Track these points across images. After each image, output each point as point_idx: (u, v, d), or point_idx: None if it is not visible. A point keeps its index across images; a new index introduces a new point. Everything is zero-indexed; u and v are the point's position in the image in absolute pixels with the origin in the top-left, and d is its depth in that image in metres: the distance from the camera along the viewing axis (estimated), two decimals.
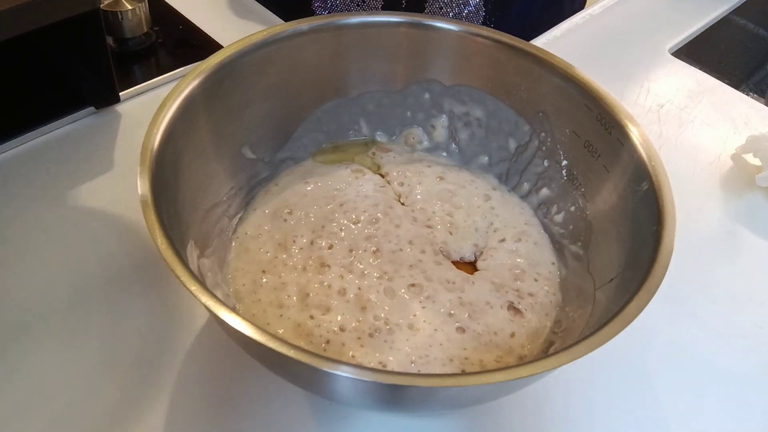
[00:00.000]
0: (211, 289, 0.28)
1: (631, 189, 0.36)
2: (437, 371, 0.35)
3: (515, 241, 0.43)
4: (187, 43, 0.58)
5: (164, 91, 0.42)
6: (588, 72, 0.40)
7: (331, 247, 0.40)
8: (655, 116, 0.58)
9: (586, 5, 0.73)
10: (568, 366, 0.27)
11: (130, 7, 0.52)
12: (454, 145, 0.47)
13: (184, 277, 0.28)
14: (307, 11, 0.66)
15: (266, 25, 0.62)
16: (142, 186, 0.31)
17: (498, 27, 0.47)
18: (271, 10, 0.64)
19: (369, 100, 0.46)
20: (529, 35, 0.65)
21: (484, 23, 0.67)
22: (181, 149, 0.36)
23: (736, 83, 0.66)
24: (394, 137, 0.48)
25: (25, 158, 0.47)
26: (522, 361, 0.37)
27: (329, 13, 0.65)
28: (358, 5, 0.65)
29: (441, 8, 0.65)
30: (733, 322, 0.43)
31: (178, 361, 0.37)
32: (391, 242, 0.41)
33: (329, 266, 0.39)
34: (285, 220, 0.42)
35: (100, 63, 0.48)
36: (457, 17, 0.66)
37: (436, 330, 0.37)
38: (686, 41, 0.69)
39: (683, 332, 0.42)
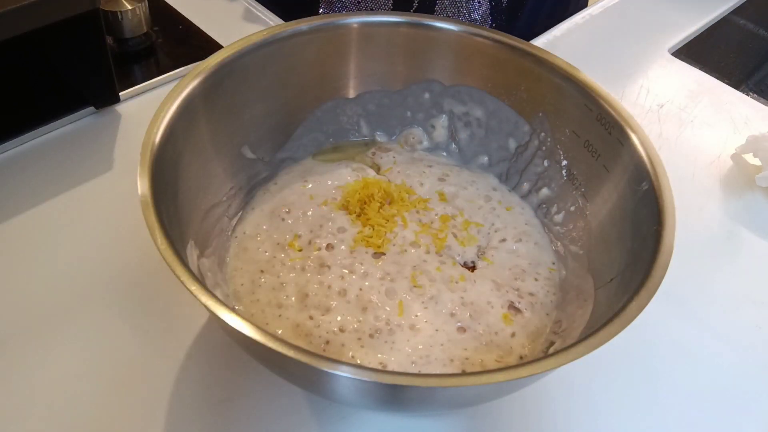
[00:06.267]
0: (210, 289, 0.28)
1: (631, 189, 0.36)
2: (438, 371, 0.35)
3: (516, 241, 0.43)
4: (187, 43, 0.58)
5: (164, 91, 0.42)
6: (588, 72, 0.40)
7: (330, 247, 0.40)
8: (655, 116, 0.58)
9: (587, 5, 0.73)
10: (568, 366, 0.27)
11: (130, 7, 0.52)
12: (454, 145, 0.47)
13: (184, 277, 0.28)
14: (311, 14, 0.66)
15: (266, 25, 0.62)
16: (142, 186, 0.31)
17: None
18: (275, 13, 0.64)
19: (369, 100, 0.46)
20: (530, 35, 0.65)
21: None
22: (181, 149, 0.36)
23: (736, 83, 0.66)
24: (394, 137, 0.48)
25: (25, 158, 0.47)
26: (522, 361, 0.37)
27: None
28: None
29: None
30: (733, 322, 0.43)
31: (178, 361, 0.37)
32: (396, 245, 0.41)
33: (329, 267, 0.39)
34: (283, 219, 0.42)
35: (100, 63, 0.48)
36: None
37: (437, 330, 0.37)
38: (686, 41, 0.69)
39: (683, 332, 0.42)
